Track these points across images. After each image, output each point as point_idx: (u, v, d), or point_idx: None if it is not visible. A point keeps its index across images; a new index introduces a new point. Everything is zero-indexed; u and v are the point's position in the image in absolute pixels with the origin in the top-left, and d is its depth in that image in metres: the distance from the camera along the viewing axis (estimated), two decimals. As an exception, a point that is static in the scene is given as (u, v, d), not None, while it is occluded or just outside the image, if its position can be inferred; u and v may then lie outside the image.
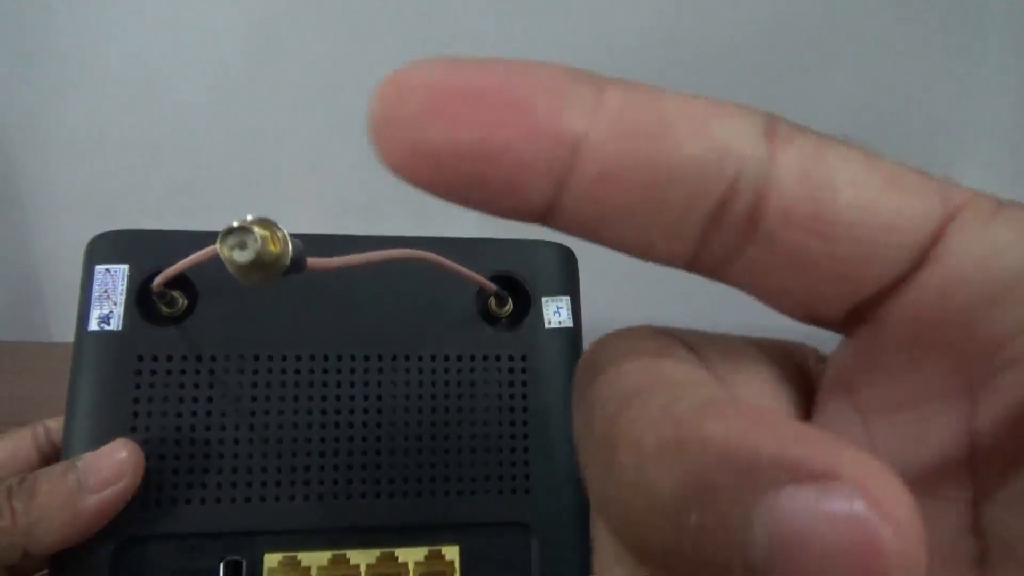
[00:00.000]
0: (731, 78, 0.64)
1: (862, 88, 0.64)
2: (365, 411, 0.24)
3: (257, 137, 0.62)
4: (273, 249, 0.17)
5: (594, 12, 0.62)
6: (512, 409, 0.25)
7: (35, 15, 0.63)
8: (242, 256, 0.17)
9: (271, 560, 0.23)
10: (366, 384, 0.24)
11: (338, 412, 0.24)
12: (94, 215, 0.55)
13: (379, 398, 0.24)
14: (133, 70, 0.65)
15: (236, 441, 0.23)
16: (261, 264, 0.17)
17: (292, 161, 0.63)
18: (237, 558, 0.22)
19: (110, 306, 0.24)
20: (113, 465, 0.21)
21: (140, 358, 0.23)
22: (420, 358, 0.25)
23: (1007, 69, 0.62)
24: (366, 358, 0.24)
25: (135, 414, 0.23)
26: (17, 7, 0.63)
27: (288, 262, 0.18)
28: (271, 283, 0.18)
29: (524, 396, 0.25)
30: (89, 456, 0.22)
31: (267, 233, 0.17)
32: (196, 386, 0.23)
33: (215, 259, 0.20)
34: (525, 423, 0.25)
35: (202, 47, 0.63)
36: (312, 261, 0.19)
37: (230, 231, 0.17)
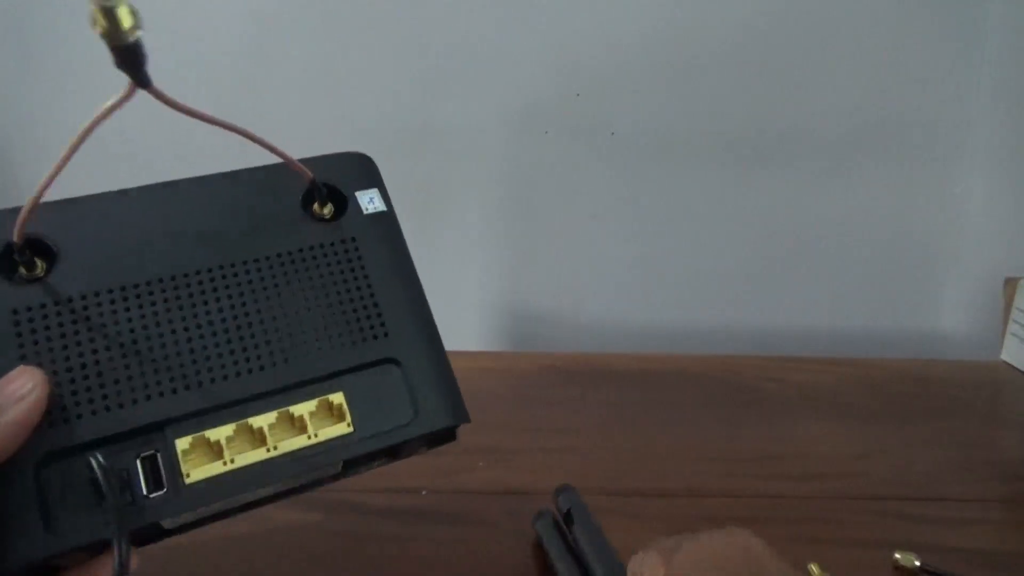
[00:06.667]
0: (731, 78, 0.64)
1: (862, 89, 0.64)
2: (232, 307, 0.28)
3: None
4: (131, 11, 0.21)
5: (594, 12, 0.62)
6: (356, 278, 0.30)
7: (36, 15, 0.63)
8: (107, 2, 0.21)
9: (182, 444, 0.26)
10: (227, 287, 0.29)
11: (208, 313, 0.28)
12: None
13: (240, 293, 0.29)
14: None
15: (124, 355, 0.26)
16: (116, 17, 0.21)
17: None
18: (151, 452, 0.26)
19: None
20: (17, 385, 0.24)
21: (15, 311, 0.26)
22: (267, 258, 0.29)
23: (1007, 69, 0.62)
24: (220, 267, 0.29)
25: (23, 357, 0.26)
26: (18, 7, 0.63)
27: (137, 37, 0.21)
28: (117, 45, 0.21)
29: (363, 266, 0.31)
30: None
31: (132, 5, 0.21)
32: (74, 322, 0.27)
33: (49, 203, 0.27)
34: (369, 285, 0.30)
35: (202, 47, 0.63)
36: (159, 91, 0.23)
37: None
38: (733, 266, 0.69)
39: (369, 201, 0.32)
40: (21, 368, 0.25)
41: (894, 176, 0.66)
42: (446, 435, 0.30)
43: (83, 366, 0.26)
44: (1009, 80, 0.62)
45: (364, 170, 0.34)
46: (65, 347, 0.26)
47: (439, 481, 0.45)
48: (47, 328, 0.26)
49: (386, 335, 0.30)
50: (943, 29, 0.62)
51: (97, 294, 0.27)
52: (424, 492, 0.44)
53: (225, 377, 0.27)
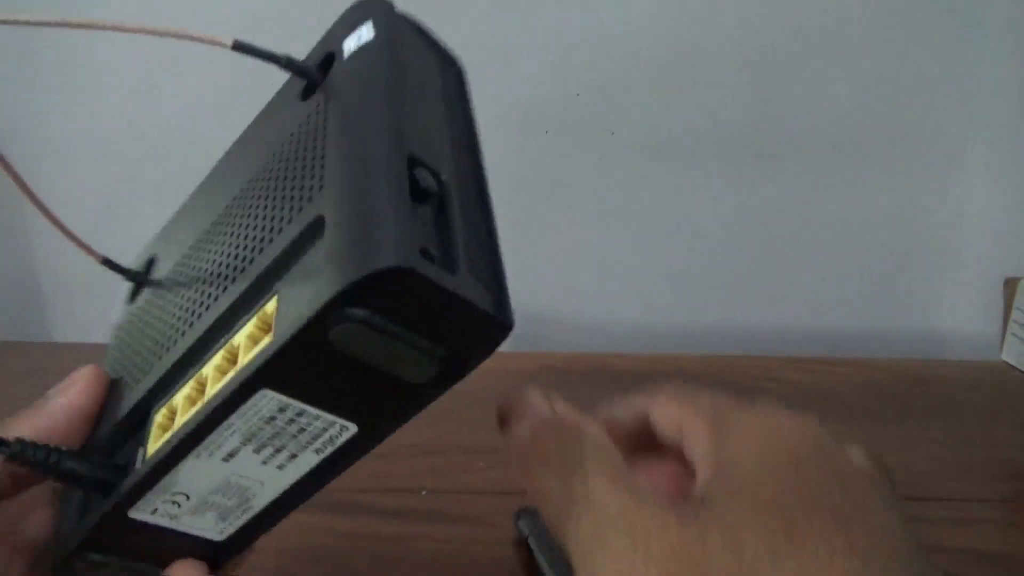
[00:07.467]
0: (731, 78, 0.64)
1: (862, 88, 0.64)
2: (215, 251, 0.25)
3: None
4: None
5: (593, 11, 0.62)
6: (315, 139, 0.22)
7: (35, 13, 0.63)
8: None
9: (158, 419, 0.23)
10: (223, 233, 0.25)
11: (196, 268, 0.26)
12: (94, 215, 0.55)
13: (230, 231, 0.25)
14: (133, 71, 0.65)
15: (141, 342, 0.27)
16: None
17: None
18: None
19: (120, 313, 0.31)
20: (70, 379, 0.26)
21: (118, 327, 0.30)
22: (256, 179, 0.25)
23: (1007, 69, 0.62)
24: (217, 219, 0.27)
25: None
26: (18, 8, 0.63)
27: None
28: None
29: (324, 122, 0.22)
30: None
31: None
32: (131, 323, 0.29)
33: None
34: (324, 142, 0.22)
35: (203, 47, 0.63)
36: None
37: None
38: (733, 266, 0.69)
39: (356, 40, 0.24)
40: (83, 367, 0.27)
41: (894, 176, 0.66)
42: (461, 321, 0.18)
43: (122, 362, 0.27)
44: (1009, 80, 0.62)
45: (359, 12, 0.26)
46: (123, 347, 0.28)
47: (439, 481, 0.45)
48: (120, 335, 0.29)
49: (321, 188, 0.20)
50: (943, 29, 0.62)
51: (152, 291, 0.29)
52: (424, 492, 0.44)
53: (191, 326, 0.23)
